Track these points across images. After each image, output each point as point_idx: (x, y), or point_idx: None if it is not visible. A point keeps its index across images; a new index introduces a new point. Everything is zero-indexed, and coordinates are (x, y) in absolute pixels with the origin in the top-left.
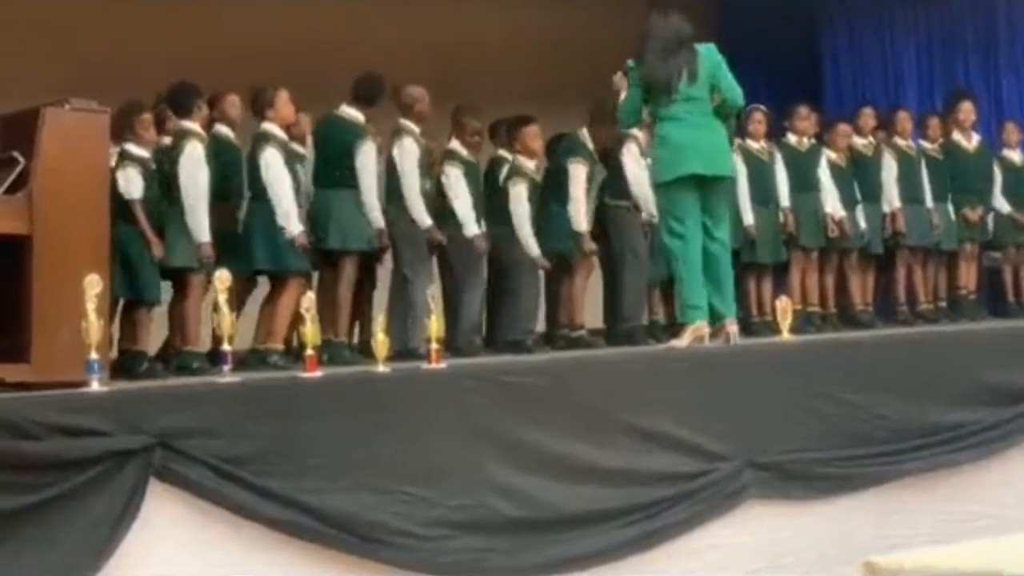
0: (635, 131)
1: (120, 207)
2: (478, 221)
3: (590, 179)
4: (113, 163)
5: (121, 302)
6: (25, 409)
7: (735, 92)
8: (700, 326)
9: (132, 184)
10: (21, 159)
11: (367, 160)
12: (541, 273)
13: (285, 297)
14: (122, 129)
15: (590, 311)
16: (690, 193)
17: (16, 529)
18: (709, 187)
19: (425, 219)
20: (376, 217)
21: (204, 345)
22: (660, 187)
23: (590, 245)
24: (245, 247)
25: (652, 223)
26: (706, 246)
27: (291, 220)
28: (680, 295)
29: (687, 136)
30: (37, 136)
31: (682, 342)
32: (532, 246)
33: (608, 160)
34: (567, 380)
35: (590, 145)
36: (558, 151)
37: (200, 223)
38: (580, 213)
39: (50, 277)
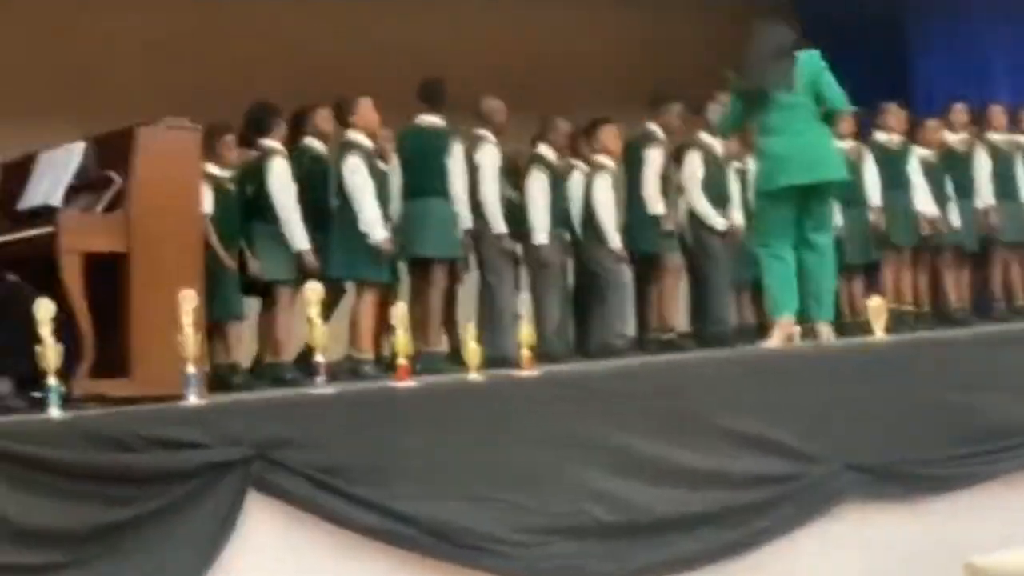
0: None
1: None
2: (563, 229)
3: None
4: None
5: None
6: (126, 423)
7: (839, 98)
8: (787, 321)
9: (205, 201)
10: (117, 178)
11: (457, 162)
12: (631, 278)
13: (362, 306)
14: (205, 149)
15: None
16: (787, 205)
17: (118, 541)
18: (813, 193)
19: (500, 225)
20: (467, 216)
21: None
22: (758, 196)
23: (667, 225)
24: (326, 255)
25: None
26: (804, 252)
27: (375, 226)
28: (768, 296)
29: (786, 146)
30: (132, 155)
31: (772, 341)
32: (613, 238)
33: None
34: (660, 384)
35: (661, 136)
36: (634, 148)
37: (297, 233)
38: (655, 196)
39: (147, 293)
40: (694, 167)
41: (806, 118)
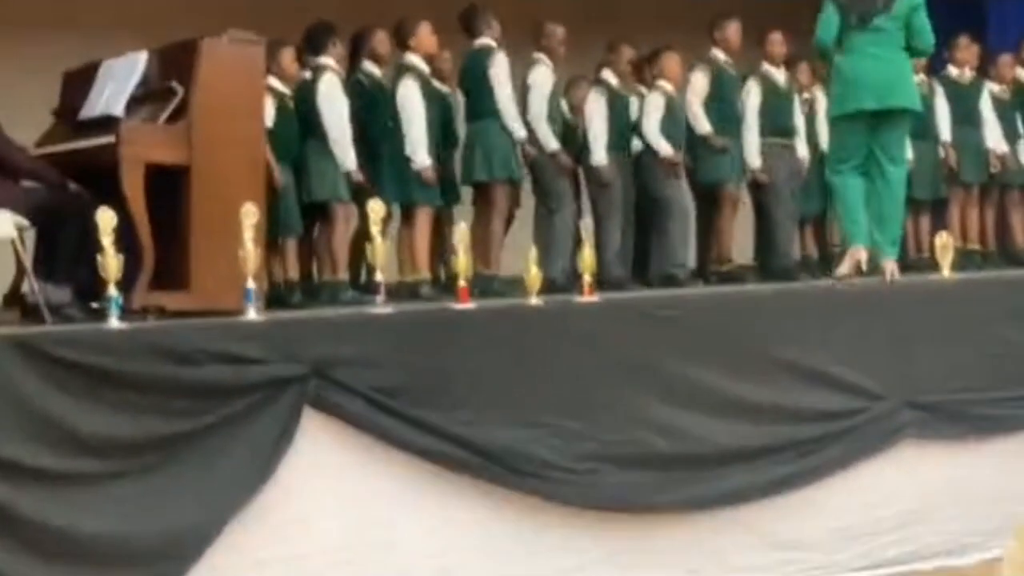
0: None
1: None
2: (621, 153)
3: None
4: None
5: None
6: (186, 336)
7: (927, 35)
8: (857, 249)
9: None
10: (180, 89)
11: (501, 71)
12: (692, 205)
13: (418, 229)
14: (267, 63)
15: (741, 247)
16: (859, 130)
17: (176, 453)
18: (884, 120)
19: (551, 142)
20: (517, 128)
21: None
22: (831, 121)
23: (718, 142)
24: (378, 177)
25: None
26: (875, 182)
27: (419, 151)
28: (840, 224)
29: (862, 70)
30: (195, 67)
31: (842, 268)
32: (662, 146)
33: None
34: (722, 315)
35: (721, 56)
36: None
37: (346, 152)
38: (699, 115)
39: (208, 207)
40: (750, 99)
41: (891, 46)
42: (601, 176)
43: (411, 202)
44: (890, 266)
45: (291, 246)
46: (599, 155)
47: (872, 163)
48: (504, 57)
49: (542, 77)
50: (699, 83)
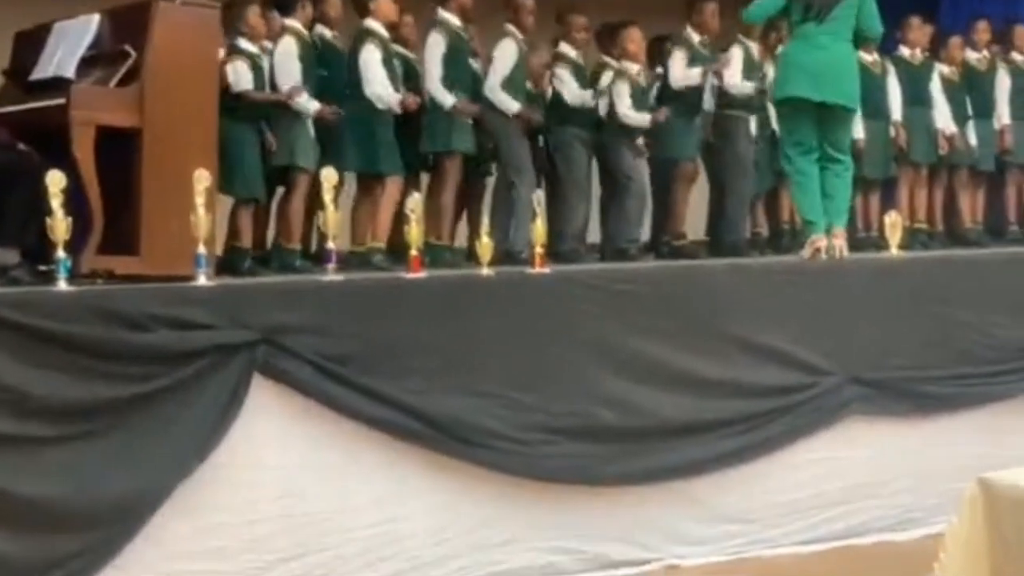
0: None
1: (225, 104)
2: (583, 129)
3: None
4: (224, 56)
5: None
6: (135, 300)
7: (875, 23)
8: (817, 239)
9: (241, 76)
10: (132, 52)
11: (435, 49)
12: (648, 181)
13: (383, 198)
14: (231, 23)
15: (694, 223)
16: (805, 116)
17: (124, 418)
18: (829, 114)
19: (511, 105)
20: (442, 97)
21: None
22: (776, 106)
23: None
24: (338, 148)
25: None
26: (823, 168)
27: (385, 95)
28: (799, 212)
29: (809, 59)
30: (148, 30)
31: (803, 254)
32: (636, 119)
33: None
34: (673, 289)
35: (695, 39)
36: (663, 53)
37: (308, 103)
38: (689, 78)
39: (160, 171)
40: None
41: (838, 34)
42: (566, 154)
43: (374, 171)
44: (838, 240)
45: (248, 211)
46: (568, 130)
47: (821, 150)
48: (438, 35)
49: (507, 51)
50: (679, 61)
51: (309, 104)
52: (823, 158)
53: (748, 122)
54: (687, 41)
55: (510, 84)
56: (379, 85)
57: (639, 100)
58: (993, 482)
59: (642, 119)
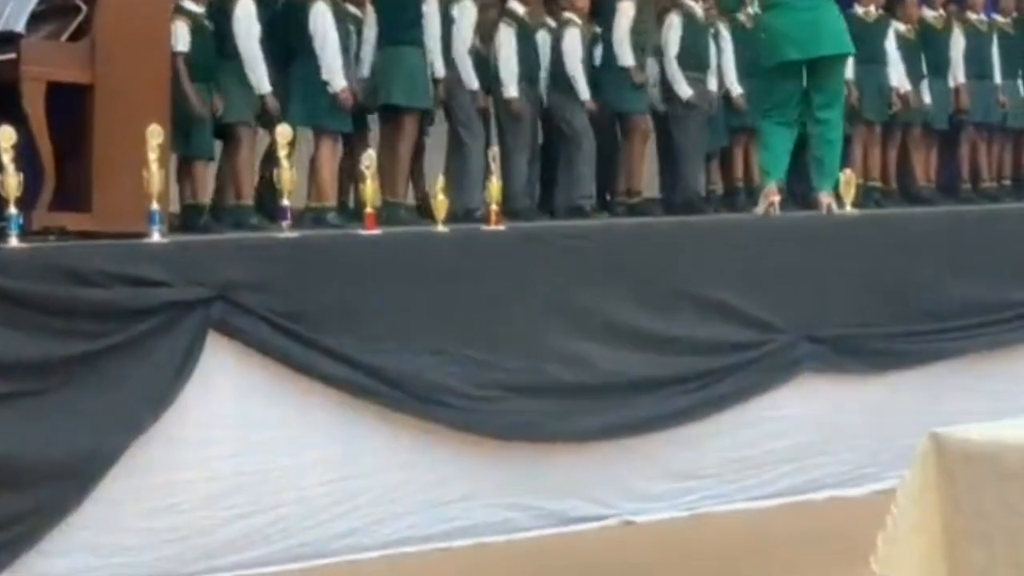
0: None
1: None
2: (530, 85)
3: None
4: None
5: (176, 158)
6: (87, 257)
7: None
8: (769, 190)
9: (178, 38)
10: (83, 6)
11: (433, 9)
12: (593, 139)
13: (324, 155)
14: None
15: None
16: (789, 80)
17: (77, 375)
18: (818, 68)
19: (472, 81)
20: (439, 66)
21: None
22: (762, 70)
23: (637, 78)
24: (285, 102)
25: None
26: (810, 126)
27: (335, 75)
28: (760, 163)
29: (788, 22)
30: None
31: (758, 208)
32: (583, 88)
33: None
34: (627, 246)
35: None
36: (606, 6)
37: (260, 76)
38: (625, 47)
39: (112, 127)
40: (672, 29)
41: None
42: (512, 109)
43: (320, 127)
44: (826, 199)
45: (201, 168)
46: (510, 89)
47: (805, 109)
48: None
49: (466, 11)
50: (626, 15)
51: (260, 81)
52: (810, 117)
53: (702, 81)
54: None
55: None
56: (331, 55)
57: (587, 56)
58: (945, 437)
59: (585, 90)
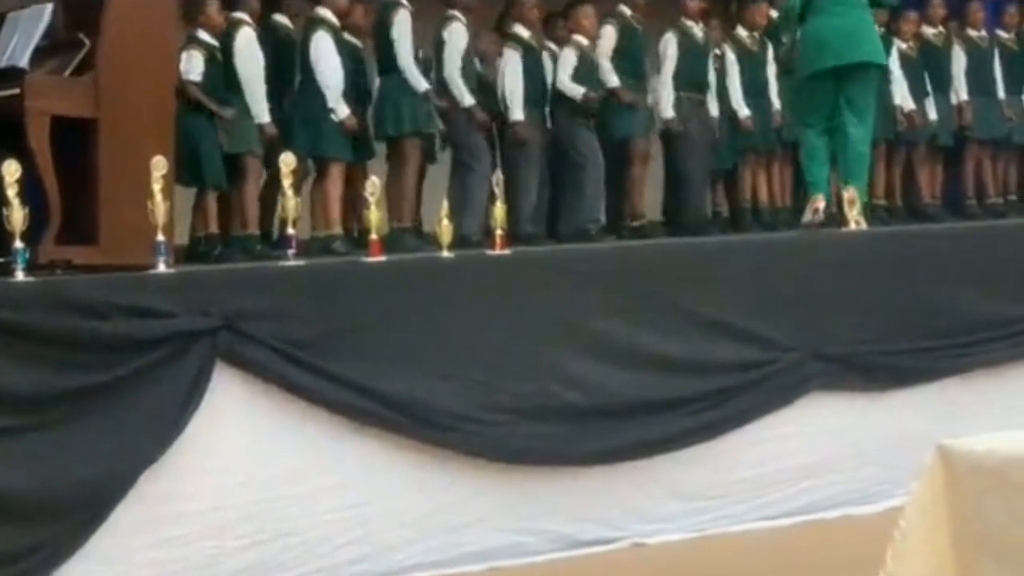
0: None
1: (184, 93)
2: (536, 109)
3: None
4: (182, 46)
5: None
6: (93, 289)
7: None
8: (816, 198)
9: (192, 66)
10: (86, 41)
11: (402, 26)
12: (602, 163)
13: (329, 183)
14: (192, 16)
15: (653, 205)
16: (825, 89)
17: (86, 408)
18: (850, 76)
19: (465, 97)
20: (416, 81)
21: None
22: (800, 79)
23: (627, 97)
24: (289, 130)
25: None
26: (840, 135)
27: (339, 104)
28: (805, 174)
29: (827, 30)
30: (102, 18)
31: (804, 217)
32: (577, 90)
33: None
34: (633, 268)
35: (627, 12)
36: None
37: (260, 106)
38: (608, 69)
39: (117, 159)
40: (668, 51)
41: (854, 4)
42: (519, 134)
43: (323, 156)
44: (848, 194)
45: (212, 200)
46: (517, 113)
47: (837, 117)
48: (407, 13)
49: (456, 34)
50: (608, 37)
51: (260, 112)
52: (841, 124)
53: (703, 103)
54: (621, 16)
55: (464, 70)
56: (333, 83)
57: (588, 77)
58: (952, 448)
59: (576, 90)
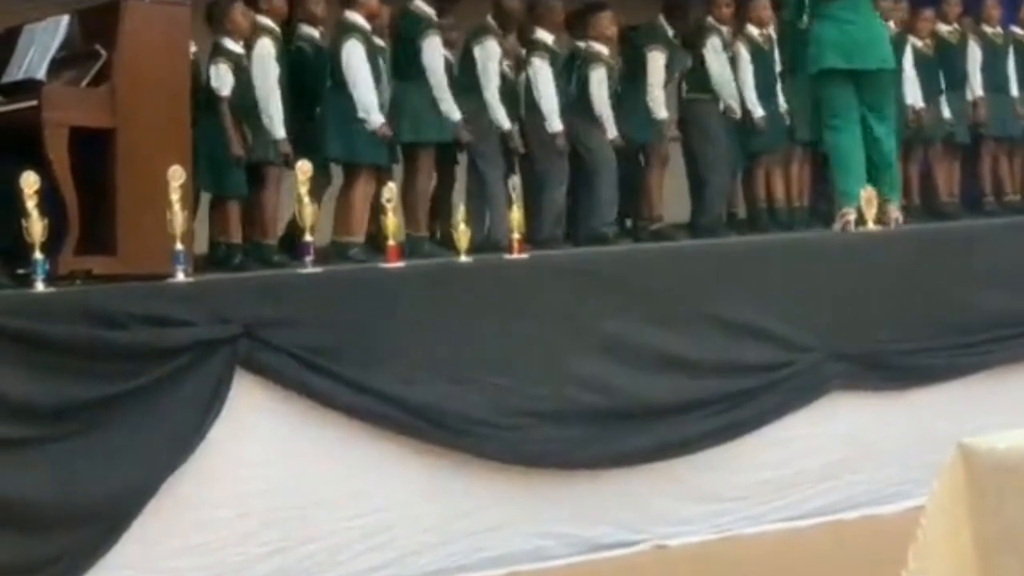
0: (716, 23)
1: (208, 101)
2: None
3: (669, 67)
4: (208, 55)
5: (209, 196)
6: (113, 299)
7: None
8: (847, 211)
9: (223, 80)
10: (103, 52)
11: (433, 55)
12: (616, 166)
13: (358, 190)
14: (217, 20)
15: (678, 205)
16: (843, 88)
17: (106, 417)
18: (866, 81)
19: (505, 122)
20: (449, 109)
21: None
22: (814, 81)
23: (672, 132)
24: (320, 137)
25: (730, 116)
26: (866, 139)
27: (372, 111)
28: (835, 181)
29: (836, 33)
30: (118, 29)
31: (835, 226)
32: (610, 127)
33: (691, 51)
34: (651, 271)
35: (669, 32)
36: (636, 40)
37: (274, 119)
38: (659, 100)
39: (134, 169)
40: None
41: (861, 7)
42: (558, 144)
43: (357, 162)
44: (893, 213)
45: (233, 208)
46: (555, 124)
47: (863, 121)
48: (438, 40)
49: (491, 53)
50: (657, 67)
51: (274, 125)
52: (866, 129)
53: (718, 105)
54: (663, 36)
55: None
56: (365, 92)
57: (612, 85)
58: (973, 447)
59: (609, 115)
